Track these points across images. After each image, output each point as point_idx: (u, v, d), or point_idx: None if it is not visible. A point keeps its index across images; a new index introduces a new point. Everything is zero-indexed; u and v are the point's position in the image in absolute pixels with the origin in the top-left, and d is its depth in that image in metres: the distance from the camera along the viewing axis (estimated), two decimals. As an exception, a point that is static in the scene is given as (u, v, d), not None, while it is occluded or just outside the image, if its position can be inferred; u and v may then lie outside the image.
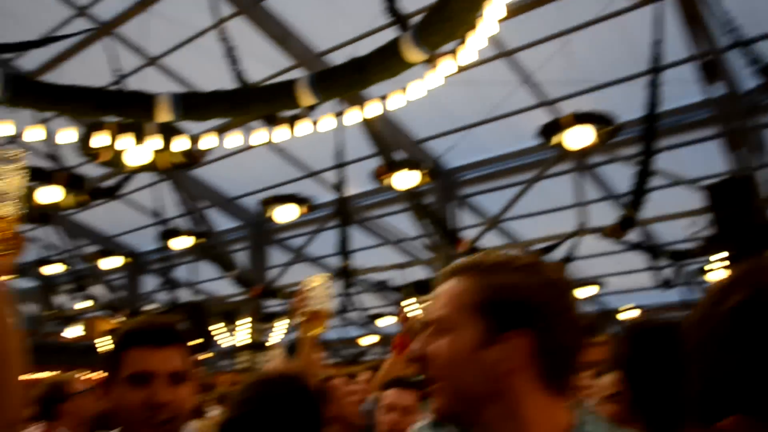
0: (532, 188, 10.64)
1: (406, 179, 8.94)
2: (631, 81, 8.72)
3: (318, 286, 2.42)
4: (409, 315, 4.16)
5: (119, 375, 1.45)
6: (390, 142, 9.78)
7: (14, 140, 11.42)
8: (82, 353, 19.39)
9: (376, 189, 11.71)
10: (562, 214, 11.02)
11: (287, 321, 13.50)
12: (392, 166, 9.03)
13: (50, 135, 9.47)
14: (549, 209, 11.74)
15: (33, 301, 20.41)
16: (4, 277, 1.43)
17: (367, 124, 8.56)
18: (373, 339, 17.09)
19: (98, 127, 8.09)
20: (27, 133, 8.12)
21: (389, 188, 10.13)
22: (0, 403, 1.39)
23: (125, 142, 7.95)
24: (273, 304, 13.77)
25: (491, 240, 11.15)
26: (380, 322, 15.39)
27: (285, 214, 10.38)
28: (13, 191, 1.35)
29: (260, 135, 8.18)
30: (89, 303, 16.87)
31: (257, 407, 1.31)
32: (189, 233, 11.53)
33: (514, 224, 12.40)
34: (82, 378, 3.42)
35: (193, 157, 8.88)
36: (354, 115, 7.90)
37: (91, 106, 7.14)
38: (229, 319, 13.10)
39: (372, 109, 7.65)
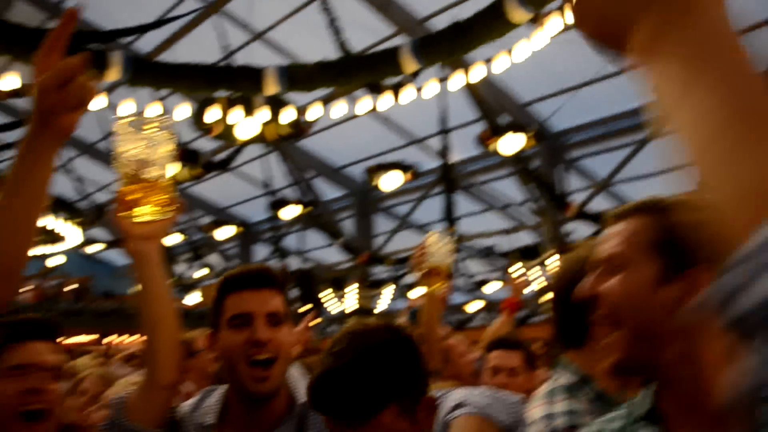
0: (643, 149, 10.19)
1: (511, 143, 8.76)
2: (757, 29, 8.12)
3: (437, 241, 2.41)
4: (517, 279, 4.12)
5: (222, 320, 1.51)
6: (494, 105, 9.60)
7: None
8: (200, 318, 20.51)
9: (481, 154, 11.58)
10: (676, 175, 10.49)
11: (393, 287, 13.69)
12: (497, 131, 8.86)
13: (166, 112, 9.97)
14: (662, 170, 11.21)
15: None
16: (160, 241, 1.47)
17: (471, 88, 8.44)
18: (479, 305, 17.04)
19: (210, 102, 8.41)
20: (147, 111, 8.57)
21: (494, 153, 9.98)
22: (156, 365, 1.43)
23: (235, 116, 8.24)
24: (379, 271, 13.98)
25: (600, 204, 10.79)
26: (486, 288, 15.29)
27: (390, 181, 10.43)
28: (163, 156, 1.37)
29: (364, 103, 8.25)
30: (206, 271, 17.76)
31: (352, 357, 1.27)
32: (297, 203, 11.83)
33: (625, 187, 11.93)
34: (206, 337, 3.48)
35: (300, 128, 9.07)
36: (458, 80, 7.81)
37: (203, 82, 7.45)
38: (337, 286, 13.42)
39: (476, 72, 7.54)
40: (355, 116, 10.35)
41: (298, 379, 1.58)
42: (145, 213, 1.37)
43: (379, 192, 13.54)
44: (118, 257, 23.18)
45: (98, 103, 9.53)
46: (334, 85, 7.81)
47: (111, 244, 17.84)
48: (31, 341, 1.52)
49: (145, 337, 1.45)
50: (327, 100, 9.31)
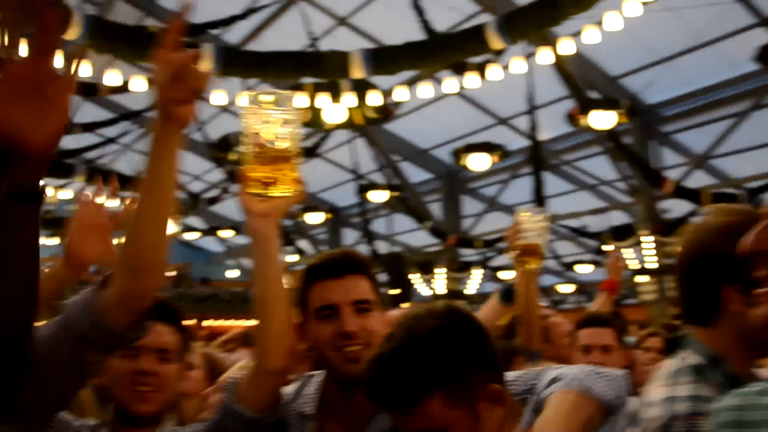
0: (746, 121, 9.64)
1: (602, 119, 8.48)
2: None
3: (530, 219, 2.35)
4: (616, 258, 3.99)
5: (309, 311, 1.46)
6: (584, 81, 9.31)
7: (226, 108, 12.45)
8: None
9: (570, 132, 11.28)
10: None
11: (483, 269, 13.59)
12: (587, 107, 8.60)
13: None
14: (765, 143, 10.58)
15: (246, 255, 22.42)
16: (278, 220, 1.45)
17: (559, 64, 8.21)
18: (570, 287, 16.68)
19: (297, 88, 8.56)
20: (238, 100, 8.81)
21: (585, 130, 9.70)
22: (265, 349, 1.40)
23: (323, 101, 8.35)
24: (468, 254, 13.90)
25: (698, 179, 10.31)
26: (578, 270, 14.94)
27: (477, 162, 10.32)
28: (291, 132, 1.36)
29: (450, 84, 8.18)
30: (296, 256, 18.17)
31: (398, 342, 1.20)
32: (385, 187, 11.90)
33: (724, 162, 11.34)
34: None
35: (386, 112, 9.10)
36: (545, 56, 7.62)
37: (291, 69, 7.57)
38: (426, 269, 13.44)
39: (564, 47, 7.33)
40: (440, 97, 10.30)
41: None
42: (273, 190, 1.38)
43: (466, 173, 13.45)
44: (213, 244, 24.04)
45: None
46: (419, 66, 7.78)
47: (206, 232, 18.53)
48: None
49: (255, 321, 1.42)
50: (412, 83, 9.30)
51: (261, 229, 1.42)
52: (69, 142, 13.63)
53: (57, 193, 12.41)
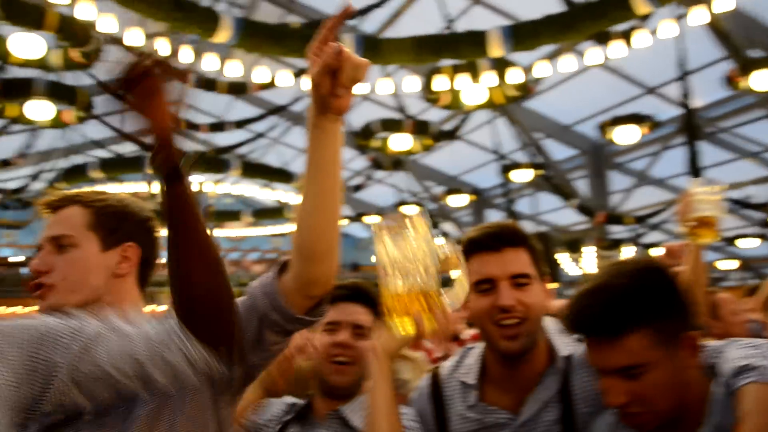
0: None
1: (765, 80, 7.79)
2: None
3: (704, 192, 2.22)
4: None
5: (469, 284, 1.46)
6: (743, 39, 8.60)
7: (367, 97, 12.74)
8: (441, 286, 21.24)
9: (728, 96, 10.49)
10: None
11: (634, 248, 12.99)
12: (748, 67, 7.93)
13: (396, 86, 10.36)
14: None
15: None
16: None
17: (715, 23, 7.63)
18: (733, 263, 15.53)
19: (436, 72, 8.59)
20: (378, 86, 9.00)
21: (745, 93, 8.97)
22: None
23: (462, 83, 8.33)
24: (618, 231, 13.33)
25: None
26: (740, 244, 13.88)
27: (625, 135, 9.84)
28: (428, 257, 1.27)
29: (593, 55, 7.86)
30: (441, 239, 18.31)
31: (607, 278, 1.22)
32: (528, 165, 11.67)
33: None
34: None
35: (527, 89, 8.91)
36: (698, 16, 7.12)
37: (429, 52, 7.60)
38: (574, 248, 13.06)
39: (720, 3, 6.81)
40: (583, 70, 9.92)
41: (557, 333, 1.54)
42: (409, 324, 1.29)
43: (613, 148, 12.88)
44: (360, 230, 24.77)
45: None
46: (560, 39, 7.52)
47: (353, 219, 19.09)
48: (345, 302, 1.64)
49: None
50: (552, 57, 9.03)
51: (381, 362, 1.38)
52: (223, 139, 14.53)
53: (216, 186, 13.25)
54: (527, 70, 8.97)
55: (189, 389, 1.22)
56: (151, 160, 1.12)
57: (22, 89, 8.67)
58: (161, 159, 1.11)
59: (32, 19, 6.91)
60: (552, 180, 12.22)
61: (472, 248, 1.51)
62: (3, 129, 11.27)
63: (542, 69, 8.31)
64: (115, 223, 1.36)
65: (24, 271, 18.59)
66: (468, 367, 1.56)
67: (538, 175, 11.85)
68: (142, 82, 1.09)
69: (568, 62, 8.18)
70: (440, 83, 8.29)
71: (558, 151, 13.53)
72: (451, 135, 11.23)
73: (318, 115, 1.24)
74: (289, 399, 1.77)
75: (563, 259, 13.12)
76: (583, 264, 13.17)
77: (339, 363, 1.64)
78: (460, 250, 1.51)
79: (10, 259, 20.08)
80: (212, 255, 1.09)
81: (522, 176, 11.77)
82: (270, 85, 10.22)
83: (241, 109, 15.31)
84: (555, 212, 15.41)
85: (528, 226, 13.70)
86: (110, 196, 1.40)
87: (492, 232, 1.52)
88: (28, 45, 7.21)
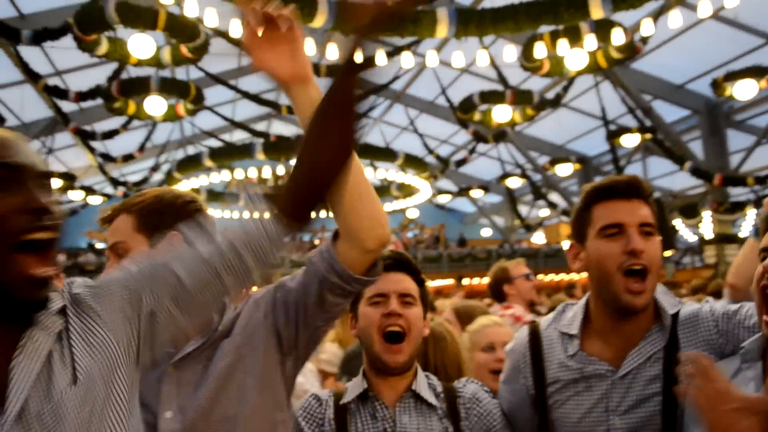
0: None
1: None
2: None
3: None
4: None
5: (590, 231, 1.48)
6: None
7: (466, 70, 12.62)
8: (546, 257, 20.88)
9: None
10: None
11: (756, 210, 12.24)
12: None
13: (493, 58, 10.21)
14: None
15: (501, 213, 22.63)
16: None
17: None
18: None
19: (535, 39, 8.40)
20: (478, 58, 8.93)
21: None
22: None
23: (563, 48, 8.10)
24: (739, 193, 12.62)
25: None
26: None
27: (744, 90, 9.23)
28: None
29: (705, 6, 7.43)
30: (548, 211, 17.93)
31: None
32: (636, 130, 11.22)
33: None
34: (524, 268, 3.64)
35: (633, 49, 8.53)
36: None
37: (527, 19, 7.43)
38: (690, 213, 12.48)
39: None
40: (693, 24, 9.41)
41: (663, 293, 1.54)
42: None
43: (730, 104, 12.16)
44: (466, 205, 24.70)
45: (431, 60, 10.20)
46: (668, -7, 7.17)
47: (458, 193, 19.06)
48: (389, 272, 1.68)
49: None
50: (659, 13, 8.61)
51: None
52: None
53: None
54: (633, 29, 8.61)
55: (259, 347, 1.34)
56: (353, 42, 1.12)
57: (139, 87, 9.22)
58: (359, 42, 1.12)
59: (146, 20, 7.32)
60: (663, 143, 11.70)
61: (599, 195, 1.50)
62: (124, 125, 12.02)
63: (648, 27, 7.93)
64: (156, 219, 1.45)
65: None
66: (569, 319, 1.57)
67: (647, 139, 11.38)
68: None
69: (676, 17, 7.77)
70: (540, 50, 8.09)
71: (669, 112, 12.92)
72: (554, 103, 10.96)
73: (288, 93, 1.29)
74: (317, 391, 1.73)
75: (679, 225, 12.57)
76: (702, 229, 12.58)
77: (392, 336, 1.62)
78: (577, 209, 1.54)
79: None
80: (349, 149, 1.13)
81: (631, 141, 11.34)
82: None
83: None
84: (668, 177, 14.77)
85: (640, 193, 13.34)
86: (147, 195, 1.49)
87: (623, 180, 1.51)
88: (142, 45, 7.64)
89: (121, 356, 0.97)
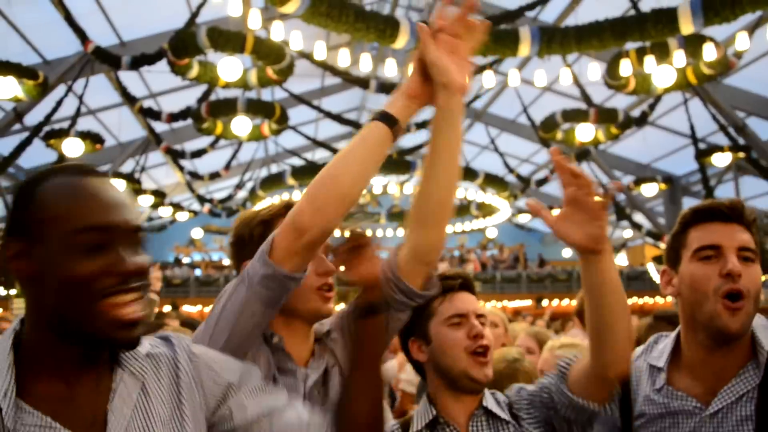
0: None
1: None
2: None
3: None
4: None
5: (684, 253, 1.44)
6: None
7: (548, 88, 12.46)
8: (630, 279, 20.21)
9: None
10: None
11: None
12: None
13: (577, 75, 10.05)
14: None
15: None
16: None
17: None
18: None
19: (620, 56, 8.19)
20: (561, 77, 8.81)
21: None
22: (607, 359, 1.38)
23: (650, 65, 7.87)
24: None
25: None
26: None
27: None
28: None
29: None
30: (632, 231, 17.39)
31: None
32: (728, 148, 10.76)
33: None
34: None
35: (727, 64, 8.21)
36: None
37: (612, 37, 7.27)
38: (789, 235, 11.82)
39: None
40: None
41: (761, 327, 1.47)
42: None
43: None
44: (545, 225, 24.22)
45: (513, 79, 10.13)
46: (763, 6, 6.86)
47: (538, 213, 18.73)
48: (462, 292, 1.67)
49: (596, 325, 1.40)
50: (755, 26, 8.27)
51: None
52: (407, 140, 14.96)
53: (401, 188, 13.65)
54: (726, 42, 8.28)
55: None
56: (357, 300, 1.30)
57: (227, 108, 9.57)
58: (365, 298, 1.30)
59: (235, 44, 7.60)
60: (759, 163, 11.16)
61: (697, 217, 1.47)
62: (212, 145, 12.47)
63: (744, 41, 7.62)
64: (235, 250, 1.52)
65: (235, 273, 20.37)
66: (659, 351, 1.52)
67: (741, 158, 10.89)
68: (356, 251, 1.33)
69: (774, 31, 7.45)
70: (626, 68, 7.90)
71: (765, 129, 12.30)
72: (639, 121, 10.66)
73: (442, 96, 1.35)
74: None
75: (776, 247, 11.90)
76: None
77: (478, 354, 1.62)
78: (674, 232, 1.51)
79: (224, 262, 22.15)
80: (379, 396, 1.27)
81: (722, 160, 10.88)
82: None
83: (422, 110, 15.65)
84: (763, 197, 14.07)
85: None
86: (233, 225, 1.55)
87: (720, 203, 1.47)
88: (231, 68, 7.93)
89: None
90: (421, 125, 13.00)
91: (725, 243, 1.40)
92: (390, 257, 1.45)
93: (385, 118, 1.33)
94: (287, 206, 1.41)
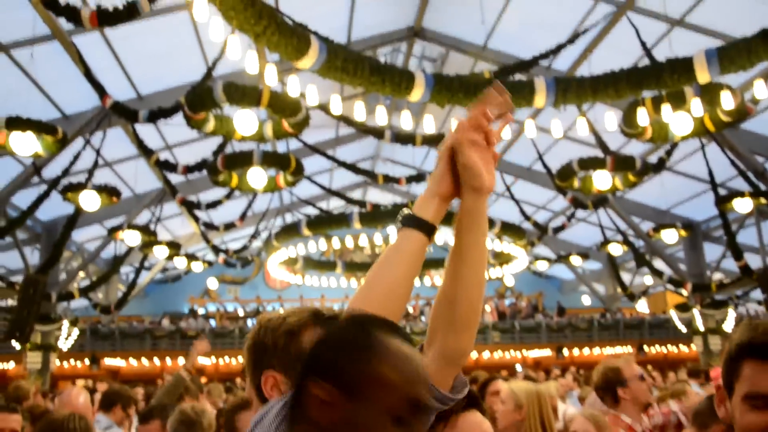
0: None
1: None
2: None
3: None
4: None
5: (737, 387, 1.26)
6: None
7: (565, 136, 12.43)
8: (651, 328, 19.79)
9: None
10: None
11: None
12: None
13: (592, 123, 10.01)
14: None
15: (602, 280, 21.79)
16: None
17: None
18: None
19: (636, 105, 8.15)
20: (578, 127, 8.78)
21: None
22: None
23: (667, 114, 7.81)
24: None
25: None
26: None
27: None
28: None
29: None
30: (652, 278, 17.08)
31: None
32: (749, 194, 10.60)
33: None
34: (636, 367, 3.34)
35: (744, 111, 8.14)
36: None
37: (627, 86, 7.24)
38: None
39: None
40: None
41: None
42: None
43: None
44: (564, 272, 23.95)
45: (530, 130, 10.11)
46: (779, 54, 6.81)
47: (556, 260, 18.55)
48: (468, 413, 1.61)
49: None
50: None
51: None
52: (423, 189, 14.91)
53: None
54: (742, 88, 8.21)
55: None
56: None
57: (242, 161, 9.60)
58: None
59: (251, 98, 7.66)
60: (780, 208, 10.99)
61: (752, 351, 1.27)
62: (227, 196, 12.50)
63: (762, 89, 7.57)
64: (254, 357, 1.30)
65: (249, 323, 20.25)
66: None
67: (762, 204, 10.73)
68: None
69: (791, 78, 7.39)
70: (643, 117, 7.85)
71: (785, 174, 12.16)
72: (657, 168, 10.55)
73: (466, 196, 1.26)
74: None
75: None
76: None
77: None
78: (728, 352, 1.30)
79: (239, 313, 22.03)
80: None
81: (743, 206, 10.72)
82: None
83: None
84: (787, 243, 13.83)
85: (754, 260, 12.40)
86: (253, 329, 1.34)
87: None
88: (247, 122, 7.98)
89: None
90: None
91: None
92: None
93: (421, 225, 1.27)
94: (316, 315, 1.29)
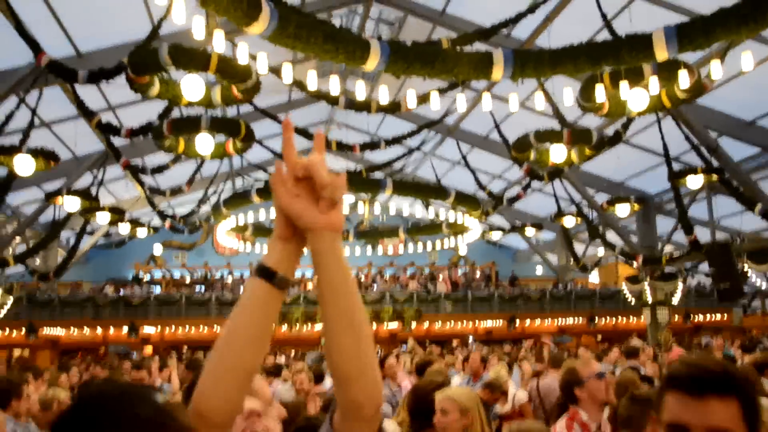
0: None
1: None
2: None
3: None
4: None
5: (662, 416, 1.30)
6: None
7: (522, 106, 12.27)
8: (602, 300, 20.10)
9: None
10: None
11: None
12: None
13: (550, 95, 9.86)
14: None
15: (555, 250, 22.00)
16: None
17: None
18: None
19: (594, 80, 8.01)
20: (536, 99, 8.62)
21: None
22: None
23: (624, 90, 7.69)
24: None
25: None
26: None
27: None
28: None
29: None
30: (602, 251, 17.27)
31: None
32: (702, 170, 10.65)
33: None
34: (595, 365, 3.55)
35: (700, 87, 8.07)
36: None
37: (587, 61, 7.07)
38: (761, 258, 11.78)
39: None
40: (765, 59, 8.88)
41: None
42: None
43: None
44: (518, 241, 24.11)
45: (486, 103, 9.89)
46: (736, 34, 6.71)
47: (510, 230, 18.58)
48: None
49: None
50: (726, 50, 8.16)
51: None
52: (378, 156, 14.65)
53: (368, 207, 13.32)
54: (699, 64, 8.13)
55: None
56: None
57: (190, 126, 9.17)
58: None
59: (198, 63, 7.25)
60: (731, 183, 11.08)
61: (670, 384, 1.31)
62: (174, 160, 12.05)
63: (718, 68, 7.49)
64: None
65: (198, 290, 19.86)
66: None
67: (714, 181, 10.79)
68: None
69: (747, 58, 7.31)
70: (600, 93, 7.71)
71: (738, 150, 12.26)
72: (613, 142, 10.49)
73: (314, 239, 1.13)
74: None
75: (749, 270, 11.87)
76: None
77: None
78: (664, 377, 1.34)
79: (186, 279, 21.60)
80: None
81: (695, 182, 10.77)
82: (422, 101, 10.13)
83: (392, 125, 15.40)
84: (736, 216, 14.07)
85: (704, 234, 12.56)
86: None
87: (696, 373, 1.28)
88: (194, 87, 7.57)
89: None
90: (390, 141, 12.74)
91: (693, 422, 1.25)
92: (326, 422, 1.22)
93: (262, 272, 1.14)
94: None
